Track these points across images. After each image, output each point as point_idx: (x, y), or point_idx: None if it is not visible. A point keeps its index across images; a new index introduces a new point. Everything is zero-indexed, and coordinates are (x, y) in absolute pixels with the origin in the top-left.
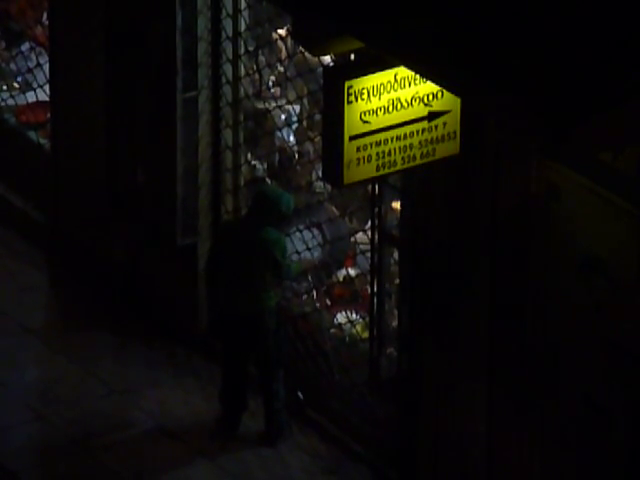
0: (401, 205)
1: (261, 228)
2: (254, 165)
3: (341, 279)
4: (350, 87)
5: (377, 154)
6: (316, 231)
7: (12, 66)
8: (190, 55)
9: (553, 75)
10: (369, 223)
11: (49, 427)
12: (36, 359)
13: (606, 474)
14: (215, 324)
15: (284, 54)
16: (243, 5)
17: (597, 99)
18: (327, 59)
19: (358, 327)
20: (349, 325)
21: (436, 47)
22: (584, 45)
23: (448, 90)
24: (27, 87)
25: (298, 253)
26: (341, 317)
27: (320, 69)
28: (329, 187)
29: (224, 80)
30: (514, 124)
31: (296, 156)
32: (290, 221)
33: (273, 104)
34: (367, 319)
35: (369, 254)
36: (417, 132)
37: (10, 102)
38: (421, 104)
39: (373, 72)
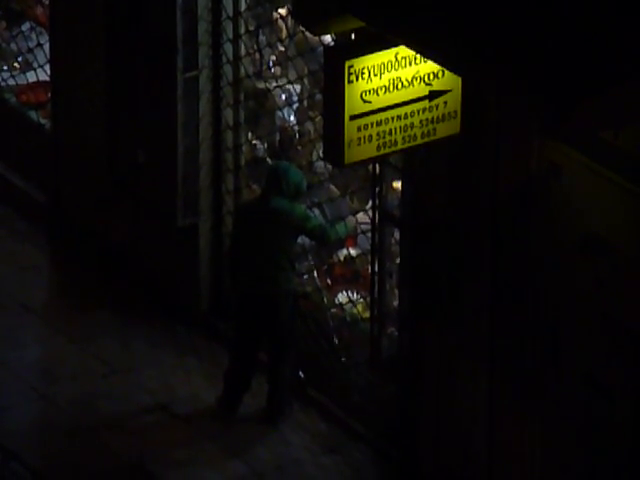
0: (402, 185)
1: (272, 201)
2: (255, 145)
3: (342, 259)
4: (351, 66)
5: (378, 134)
6: (317, 211)
7: (12, 46)
8: (191, 34)
9: (554, 54)
10: (370, 203)
11: (50, 407)
12: (37, 338)
13: (608, 454)
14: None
15: (285, 33)
16: None
17: (598, 77)
18: (328, 38)
19: (359, 307)
20: (350, 305)
21: (437, 26)
22: (585, 23)
23: (449, 69)
24: (27, 67)
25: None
26: (342, 297)
27: (321, 48)
28: (330, 167)
29: (225, 59)
30: (515, 103)
31: (297, 136)
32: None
33: (274, 83)
34: (368, 299)
35: (370, 234)
36: (418, 111)
37: (11, 82)
38: (422, 83)
39: (374, 51)
